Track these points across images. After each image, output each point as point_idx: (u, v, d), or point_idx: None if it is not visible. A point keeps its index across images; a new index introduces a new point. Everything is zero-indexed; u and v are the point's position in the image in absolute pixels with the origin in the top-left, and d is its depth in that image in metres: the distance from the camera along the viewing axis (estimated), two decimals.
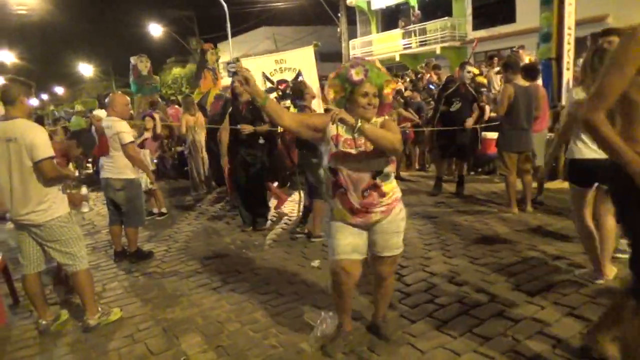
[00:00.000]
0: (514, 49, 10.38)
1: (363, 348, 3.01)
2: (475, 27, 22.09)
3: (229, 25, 27.70)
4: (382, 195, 2.70)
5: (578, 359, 2.73)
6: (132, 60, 10.28)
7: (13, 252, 4.36)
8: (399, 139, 2.64)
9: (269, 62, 8.86)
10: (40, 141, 3.33)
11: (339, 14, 23.19)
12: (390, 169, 2.76)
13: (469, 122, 6.75)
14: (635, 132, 1.99)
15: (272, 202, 6.78)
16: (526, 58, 9.30)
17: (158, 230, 6.41)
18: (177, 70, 38.28)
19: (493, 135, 7.21)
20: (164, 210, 7.21)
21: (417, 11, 24.15)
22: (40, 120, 10.73)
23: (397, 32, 24.99)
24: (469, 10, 22.53)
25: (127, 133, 4.87)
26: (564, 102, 6.95)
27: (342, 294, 2.91)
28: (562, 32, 7.29)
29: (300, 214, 5.99)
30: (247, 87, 2.59)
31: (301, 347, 3.11)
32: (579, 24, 7.66)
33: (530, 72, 6.15)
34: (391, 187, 2.76)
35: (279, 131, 6.16)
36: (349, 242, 2.78)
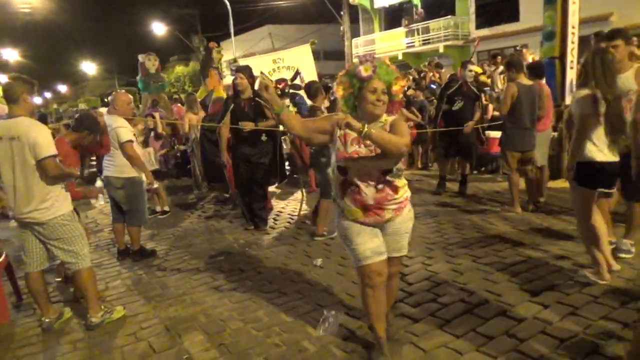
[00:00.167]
0: (518, 48, 10.34)
1: (364, 349, 3.00)
2: (479, 26, 22.05)
3: (232, 23, 27.73)
4: (395, 190, 2.68)
5: (581, 358, 2.73)
6: (140, 58, 10.27)
7: (16, 250, 4.38)
8: (406, 142, 2.60)
9: (267, 62, 8.89)
10: (43, 139, 3.34)
11: (342, 12, 23.15)
12: (401, 165, 2.75)
13: (470, 125, 6.71)
14: None
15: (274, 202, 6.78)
16: (529, 57, 9.27)
17: (161, 229, 6.42)
18: (179, 69, 38.38)
19: (496, 134, 7.19)
20: (166, 208, 7.22)
21: (420, 9, 24.09)
22: (43, 119, 10.78)
23: (400, 31, 24.94)
24: (472, 9, 22.48)
25: (125, 131, 4.85)
26: (567, 101, 6.92)
27: (376, 298, 2.82)
28: (566, 30, 7.25)
29: (302, 213, 5.99)
30: (267, 94, 2.63)
31: (304, 345, 3.11)
32: (582, 22, 7.62)
33: (535, 70, 6.13)
34: (403, 184, 2.75)
35: (281, 129, 6.15)
36: (369, 247, 2.73)
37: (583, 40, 7.25)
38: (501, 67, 9.40)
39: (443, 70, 11.90)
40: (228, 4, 26.70)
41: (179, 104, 11.34)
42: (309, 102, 6.28)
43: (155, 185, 5.91)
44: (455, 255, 4.56)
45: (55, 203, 3.46)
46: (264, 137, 5.78)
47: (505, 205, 6.08)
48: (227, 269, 4.68)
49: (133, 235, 5.15)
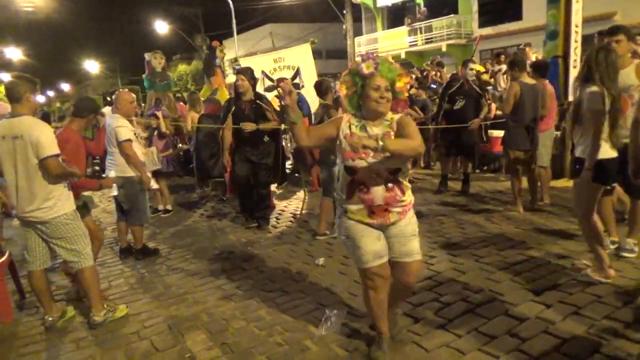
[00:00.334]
0: (521, 47, 10.32)
1: (367, 347, 3.00)
2: (482, 25, 22.00)
3: (234, 22, 27.74)
4: (403, 192, 2.67)
5: (583, 358, 2.72)
6: (147, 56, 10.27)
7: (19, 249, 4.39)
8: (419, 142, 2.56)
9: (267, 61, 8.88)
10: (45, 139, 3.34)
11: (345, 11, 23.10)
12: (408, 164, 2.75)
13: (476, 123, 6.71)
14: None
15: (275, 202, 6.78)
16: (533, 56, 9.25)
17: (163, 228, 6.43)
18: (182, 67, 38.45)
19: (499, 133, 7.18)
20: (169, 207, 7.23)
21: (423, 8, 24.04)
22: (46, 117, 10.79)
23: (403, 30, 24.90)
24: (475, 8, 22.44)
25: (125, 130, 4.85)
26: (570, 99, 6.90)
27: (377, 300, 2.82)
28: (569, 29, 7.23)
29: (303, 212, 5.99)
30: (290, 100, 2.59)
31: (306, 344, 3.12)
32: (586, 21, 7.60)
33: (540, 69, 6.11)
34: (408, 186, 2.74)
35: (282, 128, 6.14)
36: (372, 249, 2.71)
37: (586, 39, 7.24)
38: (504, 66, 9.38)
39: (444, 70, 11.88)
40: (231, 2, 26.71)
41: (182, 103, 11.34)
42: (312, 101, 6.25)
43: (155, 187, 5.90)
44: (458, 254, 4.55)
45: (57, 202, 3.47)
46: (266, 138, 5.77)
47: (508, 205, 6.07)
48: (229, 268, 4.69)
49: (136, 235, 5.16)
